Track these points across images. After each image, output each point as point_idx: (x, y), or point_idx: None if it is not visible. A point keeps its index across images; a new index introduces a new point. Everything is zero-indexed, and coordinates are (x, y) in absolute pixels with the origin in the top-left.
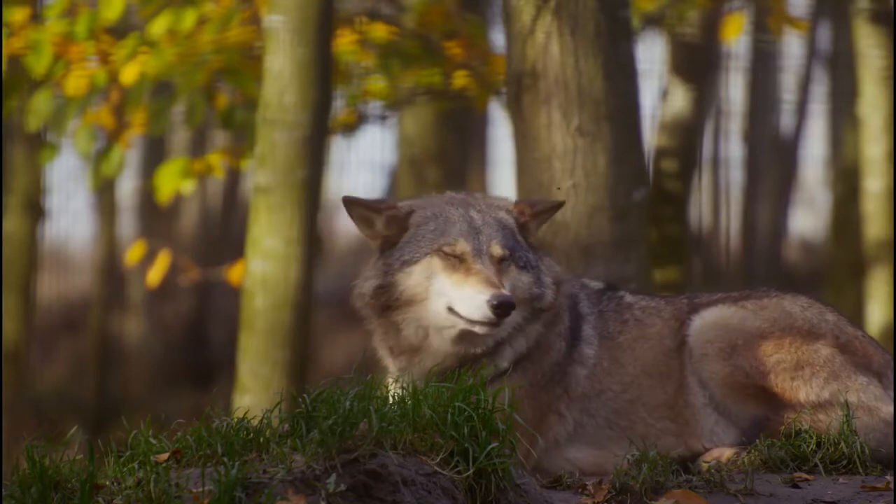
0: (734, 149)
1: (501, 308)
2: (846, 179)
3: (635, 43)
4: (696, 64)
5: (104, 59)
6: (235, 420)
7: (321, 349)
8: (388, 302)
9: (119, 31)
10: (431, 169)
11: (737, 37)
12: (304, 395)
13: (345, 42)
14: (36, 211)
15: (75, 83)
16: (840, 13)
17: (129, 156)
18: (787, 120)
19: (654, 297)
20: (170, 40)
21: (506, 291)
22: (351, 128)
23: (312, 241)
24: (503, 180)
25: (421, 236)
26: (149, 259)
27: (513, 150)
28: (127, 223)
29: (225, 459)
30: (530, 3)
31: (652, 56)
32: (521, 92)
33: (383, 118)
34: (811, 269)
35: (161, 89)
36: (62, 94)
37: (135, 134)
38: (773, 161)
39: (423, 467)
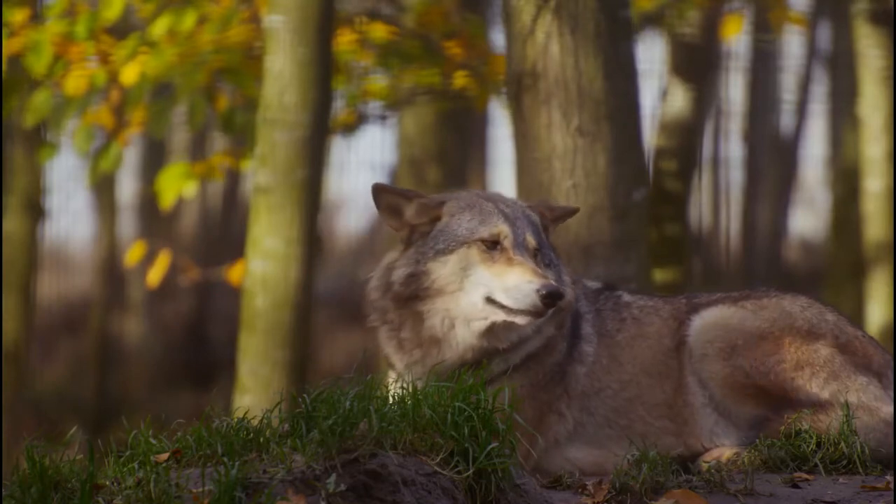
0: (734, 149)
1: (551, 297)
2: (846, 179)
3: (635, 43)
4: (696, 64)
5: (104, 59)
6: (235, 420)
7: (321, 349)
8: (418, 291)
9: (119, 31)
10: (431, 169)
11: (736, 36)
12: (304, 395)
13: (345, 42)
14: (36, 211)
15: (75, 83)
16: (840, 13)
17: (129, 156)
18: (787, 120)
19: (653, 296)
20: (170, 40)
21: (553, 281)
22: (351, 128)
23: (312, 241)
24: (503, 180)
25: (457, 226)
26: (149, 259)
27: (513, 150)
28: (127, 223)
29: (225, 459)
30: (530, 3)
31: (652, 56)
32: (521, 92)
33: (383, 118)
34: (811, 269)
35: (161, 91)
36: (61, 93)
37: (133, 132)
38: (773, 161)
39: (423, 467)
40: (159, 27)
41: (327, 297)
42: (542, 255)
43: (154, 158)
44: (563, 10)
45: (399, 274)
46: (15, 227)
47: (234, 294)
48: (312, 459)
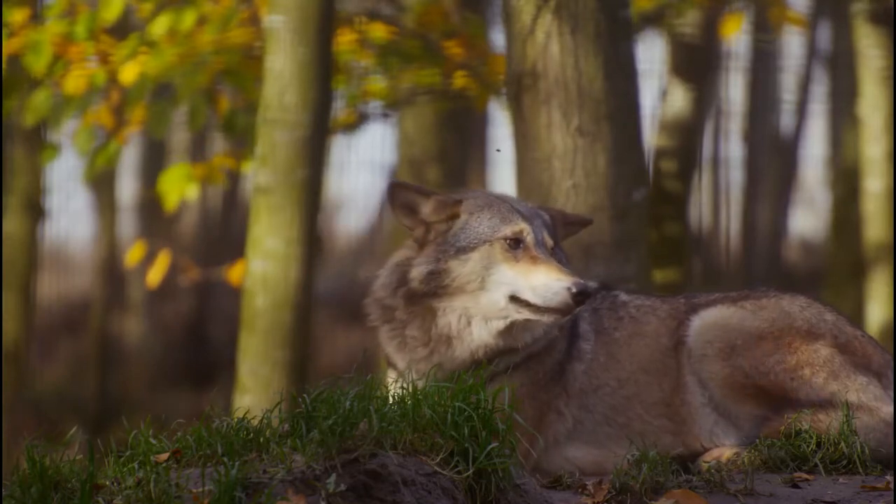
0: (734, 149)
1: (582, 295)
2: (846, 179)
3: (635, 43)
4: (696, 64)
5: (104, 59)
6: (235, 420)
7: (321, 349)
8: (437, 289)
9: (119, 31)
10: (431, 169)
11: (736, 34)
12: (304, 395)
13: (344, 42)
14: (36, 211)
15: (74, 83)
16: (840, 13)
17: (129, 156)
18: (787, 120)
19: (650, 296)
20: (169, 40)
21: (582, 280)
22: (351, 128)
23: (313, 241)
24: (503, 180)
25: (477, 224)
26: (149, 259)
27: (513, 150)
28: (127, 223)
29: (225, 459)
30: (530, 3)
31: (652, 56)
32: (521, 92)
33: (384, 117)
34: (811, 269)
35: (162, 91)
36: (61, 93)
37: (132, 131)
38: (773, 161)
39: (423, 467)
40: (159, 27)
41: (327, 297)
42: (556, 255)
43: (154, 158)
44: (563, 10)
45: (419, 272)
46: (15, 227)
47: (234, 294)
48: (312, 459)
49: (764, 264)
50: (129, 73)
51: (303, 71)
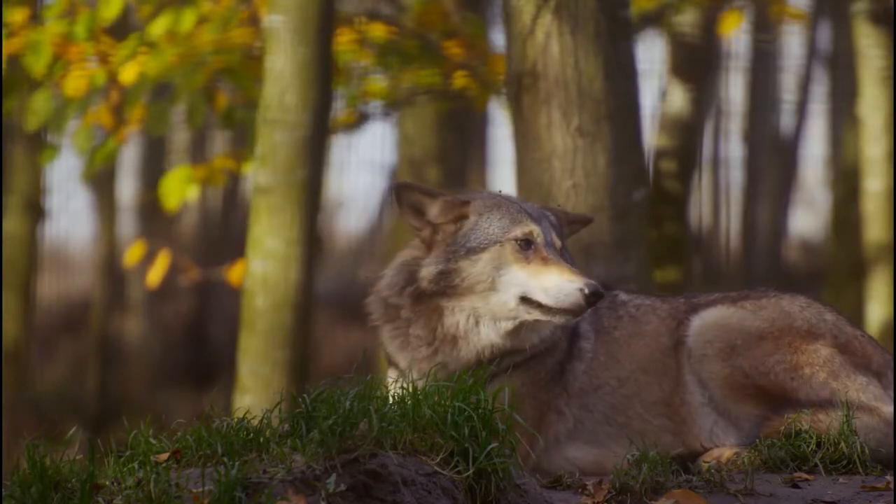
0: (734, 149)
1: (595, 296)
2: (846, 179)
3: (635, 43)
4: (696, 64)
5: (103, 59)
6: (235, 420)
7: (321, 349)
8: (446, 288)
9: (118, 32)
10: (431, 169)
11: (735, 34)
12: (304, 395)
13: (344, 42)
14: (36, 211)
15: (74, 83)
16: (840, 13)
17: (129, 156)
18: (787, 120)
19: (650, 296)
20: (169, 41)
21: (594, 281)
22: (351, 128)
23: (313, 241)
24: (503, 180)
25: (487, 224)
26: (149, 259)
27: (513, 150)
28: (127, 223)
29: (225, 459)
30: (530, 3)
31: (652, 56)
32: (521, 92)
33: (384, 117)
34: (811, 269)
35: (161, 90)
36: (61, 94)
37: (132, 130)
38: (773, 161)
39: (423, 467)
40: (158, 27)
41: (327, 297)
42: (563, 256)
43: (154, 158)
44: (563, 10)
45: (429, 271)
46: (15, 227)
47: (234, 294)
48: (312, 459)
49: (764, 264)
50: (128, 73)
51: (303, 71)
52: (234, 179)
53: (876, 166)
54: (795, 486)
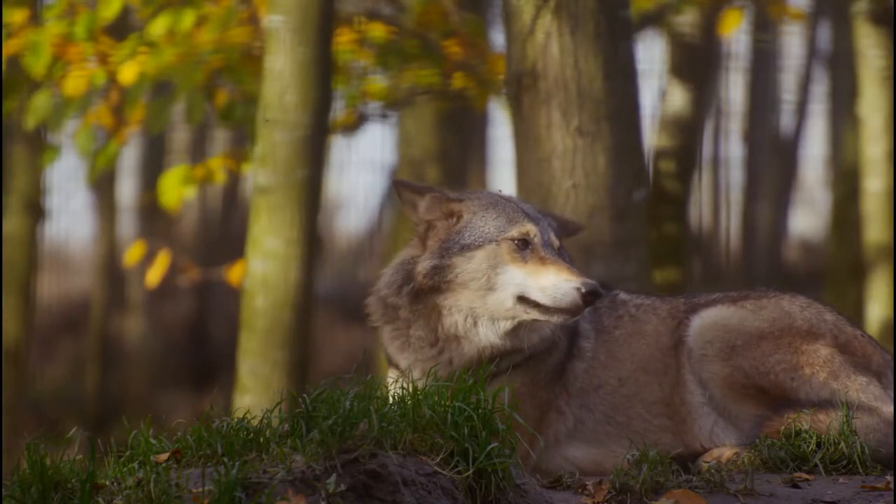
0: (734, 149)
1: (592, 295)
2: (846, 179)
3: (635, 43)
4: (696, 64)
5: (103, 59)
6: (235, 420)
7: (321, 349)
8: (440, 283)
9: (118, 32)
10: (431, 169)
11: (735, 33)
12: (304, 395)
13: (344, 42)
14: (36, 211)
15: (74, 83)
16: (840, 13)
17: (129, 156)
18: (787, 120)
19: (650, 296)
20: (169, 40)
21: (592, 280)
22: (351, 128)
23: (312, 241)
24: (503, 180)
25: (482, 223)
26: (149, 259)
27: (513, 150)
28: (127, 223)
29: (225, 459)
30: (530, 3)
31: (652, 56)
32: (521, 92)
33: (383, 118)
34: (811, 269)
35: (161, 89)
36: (61, 94)
37: (132, 130)
38: (773, 161)
39: (423, 467)
40: (158, 27)
41: (327, 297)
42: (561, 256)
43: (154, 158)
44: (563, 10)
45: (423, 266)
46: (15, 227)
47: (234, 294)
48: (312, 459)
49: (764, 264)
50: (128, 73)
51: (303, 71)
52: (234, 179)
53: (876, 166)
54: (795, 486)
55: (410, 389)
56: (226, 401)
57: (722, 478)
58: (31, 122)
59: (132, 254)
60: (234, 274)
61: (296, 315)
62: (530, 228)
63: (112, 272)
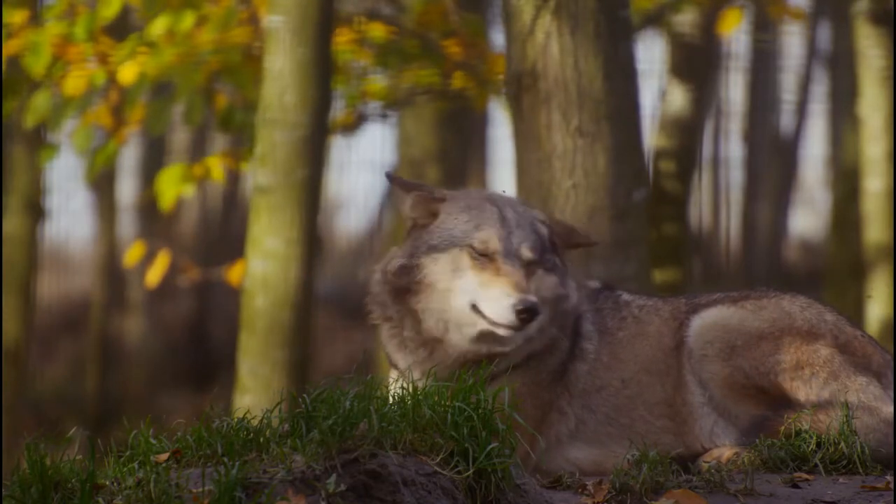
0: (734, 149)
1: (526, 313)
2: (846, 179)
3: (635, 43)
4: (696, 64)
5: (103, 59)
6: (235, 420)
7: (321, 349)
8: (410, 284)
9: (118, 32)
10: (431, 169)
11: (735, 31)
12: (304, 395)
13: (344, 42)
14: (36, 211)
15: (74, 83)
16: (840, 13)
17: (129, 156)
18: (787, 120)
19: (652, 296)
20: (168, 41)
21: (531, 297)
22: (350, 128)
23: (312, 241)
24: (503, 180)
25: (452, 226)
26: (149, 259)
27: (513, 150)
28: (127, 223)
29: (225, 459)
30: (530, 3)
31: (652, 56)
32: (521, 92)
33: (383, 118)
34: (811, 269)
35: (161, 90)
36: (60, 94)
37: (132, 130)
38: (773, 161)
39: (423, 467)
40: (158, 27)
41: (327, 297)
42: (541, 263)
43: (154, 159)
44: (562, 10)
45: (393, 265)
46: (15, 227)
47: (234, 294)
48: (312, 459)
49: (764, 264)
50: (128, 74)
51: (302, 71)
52: (234, 179)
53: (876, 166)
54: (795, 486)
55: (410, 390)
56: (226, 401)
57: (722, 478)
58: (30, 121)
59: (132, 254)
60: (234, 274)
61: (296, 315)
62: (493, 236)
63: (112, 272)
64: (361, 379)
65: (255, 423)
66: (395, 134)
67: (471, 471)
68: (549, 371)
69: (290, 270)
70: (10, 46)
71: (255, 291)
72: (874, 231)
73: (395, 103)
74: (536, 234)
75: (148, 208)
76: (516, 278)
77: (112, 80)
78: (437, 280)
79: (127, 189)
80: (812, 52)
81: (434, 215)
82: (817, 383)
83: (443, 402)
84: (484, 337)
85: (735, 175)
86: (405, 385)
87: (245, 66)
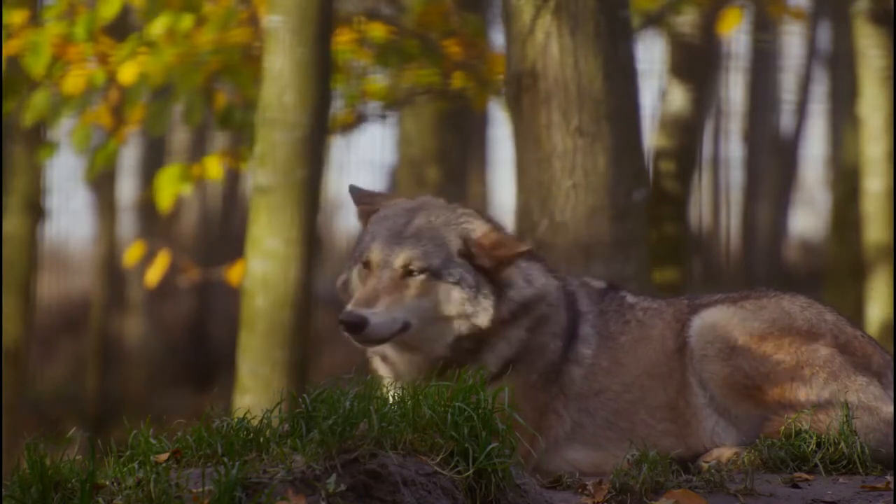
0: (734, 149)
1: (345, 325)
2: (846, 179)
3: (635, 43)
4: (696, 64)
5: (103, 59)
6: (235, 420)
7: (321, 349)
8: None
9: (118, 32)
10: (431, 169)
11: (735, 30)
12: (304, 395)
13: (343, 41)
14: (36, 211)
15: (73, 83)
16: (840, 13)
17: (128, 156)
18: (787, 120)
19: (656, 298)
20: (168, 41)
21: (359, 311)
22: (350, 128)
23: (312, 241)
24: (503, 180)
25: (363, 238)
26: (148, 259)
27: (513, 150)
28: (127, 223)
29: (225, 459)
30: (530, 3)
31: (652, 56)
32: (521, 92)
33: (383, 118)
34: (811, 269)
35: (161, 90)
36: (60, 94)
37: (131, 130)
38: (773, 161)
39: (423, 467)
40: (158, 27)
41: (327, 297)
42: (437, 275)
43: (154, 159)
44: (562, 10)
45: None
46: (15, 227)
47: (234, 294)
48: (312, 459)
49: (764, 264)
50: (128, 73)
51: (302, 71)
52: (234, 179)
53: (876, 166)
54: (795, 486)
55: (410, 390)
56: (226, 401)
57: (722, 478)
58: (28, 119)
59: (132, 254)
60: (234, 274)
61: (296, 315)
62: (375, 250)
63: (112, 272)
64: (361, 379)
65: (255, 423)
66: (394, 134)
67: (471, 471)
68: (539, 372)
69: (289, 270)
70: (10, 46)
71: (255, 291)
72: (874, 231)
73: (394, 103)
74: (437, 244)
75: (148, 208)
76: (367, 291)
77: (112, 79)
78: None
79: (127, 189)
80: (812, 52)
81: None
82: (817, 383)
83: (443, 403)
84: (404, 345)
85: (735, 175)
86: (404, 386)
87: (245, 65)
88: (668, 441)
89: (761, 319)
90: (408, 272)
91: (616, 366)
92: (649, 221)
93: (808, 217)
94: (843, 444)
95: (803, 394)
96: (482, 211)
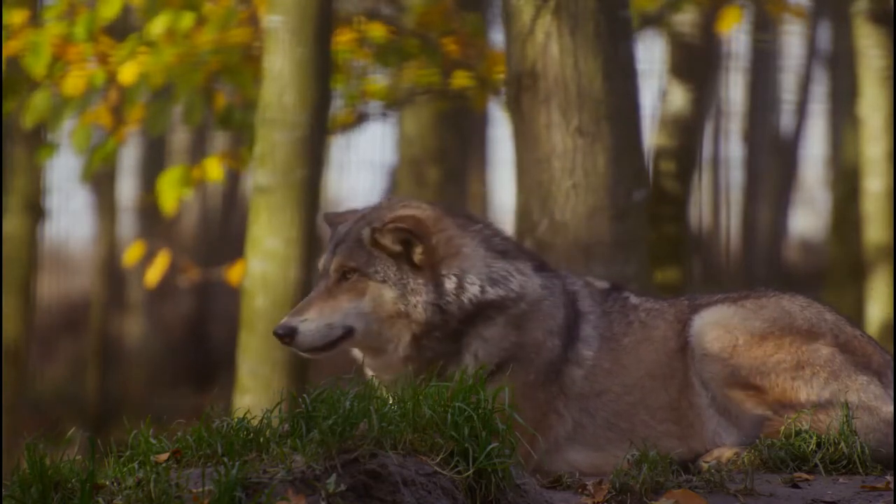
0: (734, 149)
1: (278, 336)
2: (846, 179)
3: (635, 43)
4: (696, 64)
5: (103, 59)
6: (235, 420)
7: None
8: None
9: (118, 32)
10: (431, 169)
11: (734, 29)
12: (304, 395)
13: (343, 41)
14: (36, 211)
15: (73, 83)
16: (840, 13)
17: (129, 156)
18: (787, 120)
19: (658, 298)
20: (168, 40)
21: (289, 322)
22: (350, 127)
23: (312, 241)
24: (503, 180)
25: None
26: (148, 259)
27: (513, 150)
28: (127, 223)
29: (225, 459)
30: (530, 3)
31: (652, 56)
32: (520, 92)
33: (383, 117)
34: (811, 269)
35: (161, 91)
36: (60, 94)
37: (131, 130)
38: (773, 161)
39: (423, 467)
40: (158, 27)
41: None
42: (366, 275)
43: (154, 159)
44: (562, 10)
45: None
46: (15, 227)
47: (234, 294)
48: (312, 459)
49: (764, 264)
50: (128, 73)
51: (301, 71)
52: (234, 179)
53: (876, 166)
54: (795, 486)
55: (410, 390)
56: (226, 401)
57: (722, 478)
58: (29, 121)
59: (132, 254)
60: (234, 274)
61: None
62: (320, 264)
63: (112, 272)
64: (361, 379)
65: (255, 423)
66: (394, 134)
67: (471, 471)
68: (537, 371)
69: (289, 270)
70: (10, 46)
71: (254, 291)
72: (874, 231)
73: (394, 103)
74: (357, 244)
75: (148, 208)
76: (302, 303)
77: (112, 80)
78: None
79: (127, 189)
80: (812, 51)
81: None
82: (818, 383)
83: (443, 402)
84: (367, 351)
85: (735, 175)
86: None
87: (244, 65)
88: (668, 442)
89: (762, 319)
90: (343, 276)
91: (618, 367)
92: (649, 221)
93: (808, 217)
94: (843, 443)
95: (804, 393)
96: (436, 203)
